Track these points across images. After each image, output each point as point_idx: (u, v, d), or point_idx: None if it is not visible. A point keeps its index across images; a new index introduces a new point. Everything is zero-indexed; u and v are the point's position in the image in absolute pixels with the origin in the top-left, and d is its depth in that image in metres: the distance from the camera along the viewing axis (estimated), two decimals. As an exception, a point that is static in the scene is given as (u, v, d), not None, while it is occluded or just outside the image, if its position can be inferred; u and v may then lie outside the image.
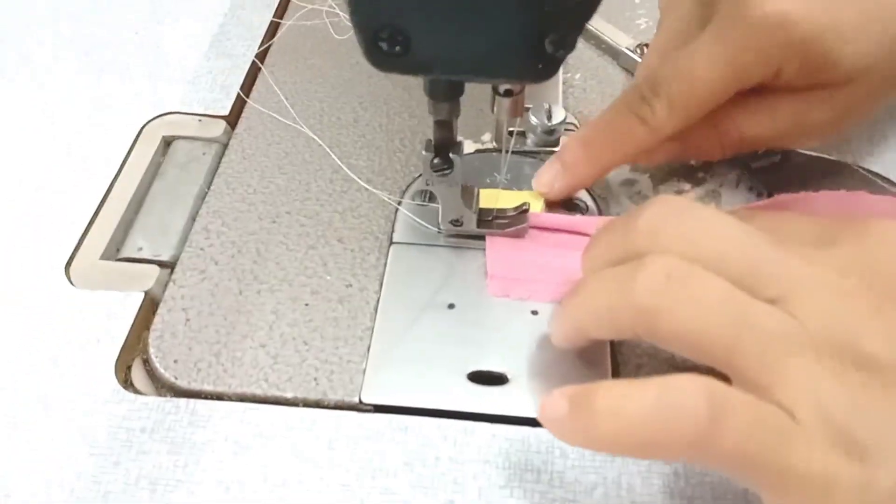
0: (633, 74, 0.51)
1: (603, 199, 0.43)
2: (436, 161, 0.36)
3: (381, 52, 0.29)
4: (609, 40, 0.52)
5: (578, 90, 0.50)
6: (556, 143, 0.46)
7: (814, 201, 0.40)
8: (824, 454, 0.25)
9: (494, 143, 0.46)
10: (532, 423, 0.34)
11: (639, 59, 0.50)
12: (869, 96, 0.40)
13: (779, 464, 0.25)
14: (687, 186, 0.44)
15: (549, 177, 0.40)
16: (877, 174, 0.44)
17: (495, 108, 0.35)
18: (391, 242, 0.41)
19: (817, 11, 0.35)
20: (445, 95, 0.34)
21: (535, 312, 0.38)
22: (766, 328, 0.27)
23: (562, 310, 0.34)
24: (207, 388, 0.36)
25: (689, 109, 0.37)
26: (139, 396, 0.36)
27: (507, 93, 0.34)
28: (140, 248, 0.42)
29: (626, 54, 0.51)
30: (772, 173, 0.44)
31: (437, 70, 0.30)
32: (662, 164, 0.42)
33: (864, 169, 0.45)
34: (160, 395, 0.36)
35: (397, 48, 0.29)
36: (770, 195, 0.44)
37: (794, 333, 0.26)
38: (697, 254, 0.28)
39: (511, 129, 0.42)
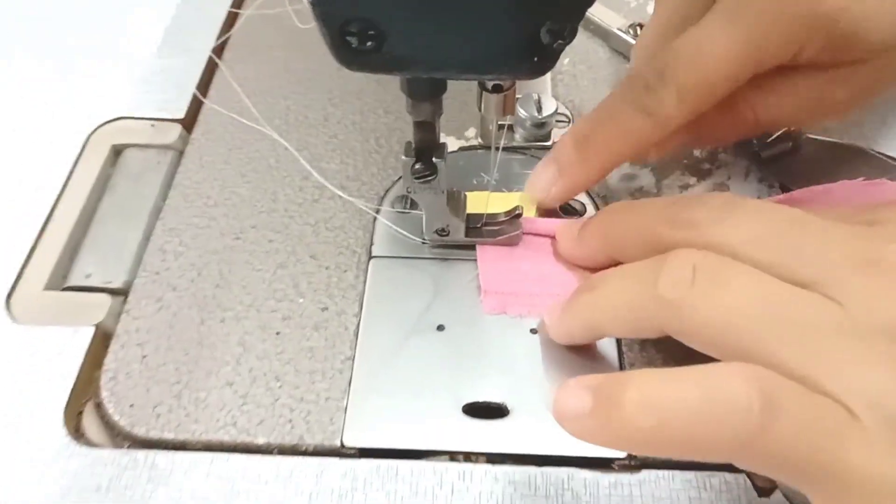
0: (625, 57, 0.47)
1: (602, 197, 0.40)
2: (417, 166, 0.32)
3: (350, 48, 0.25)
4: (598, 20, 0.48)
5: (568, 77, 0.46)
6: (547, 137, 0.42)
7: (833, 193, 0.37)
8: (887, 454, 0.22)
9: (480, 140, 0.42)
10: (538, 461, 0.30)
11: (631, 41, 0.46)
12: (892, 71, 0.36)
13: (836, 465, 0.22)
14: (692, 180, 0.40)
15: (545, 181, 0.36)
16: (893, 158, 0.41)
17: (482, 106, 0.31)
18: (370, 257, 0.37)
19: None
20: (426, 94, 0.30)
21: (534, 331, 0.34)
22: (803, 315, 0.24)
23: (572, 305, 0.31)
24: (168, 436, 0.31)
25: (702, 97, 0.33)
26: (92, 450, 0.31)
27: (496, 88, 0.30)
28: (89, 275, 0.38)
29: (617, 35, 0.47)
30: (783, 162, 0.41)
31: (415, 68, 0.26)
32: (668, 156, 0.38)
33: (879, 153, 0.41)
34: (116, 445, 0.32)
35: (369, 44, 0.25)
36: (782, 186, 0.40)
37: (835, 319, 0.24)
38: (732, 238, 0.27)
39: (499, 122, 0.38)
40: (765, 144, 0.40)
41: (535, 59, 0.25)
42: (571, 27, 0.25)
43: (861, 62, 0.35)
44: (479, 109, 0.31)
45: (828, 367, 0.23)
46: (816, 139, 0.41)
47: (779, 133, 0.40)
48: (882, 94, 0.38)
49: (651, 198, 0.39)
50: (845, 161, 0.41)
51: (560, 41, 0.25)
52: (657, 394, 0.24)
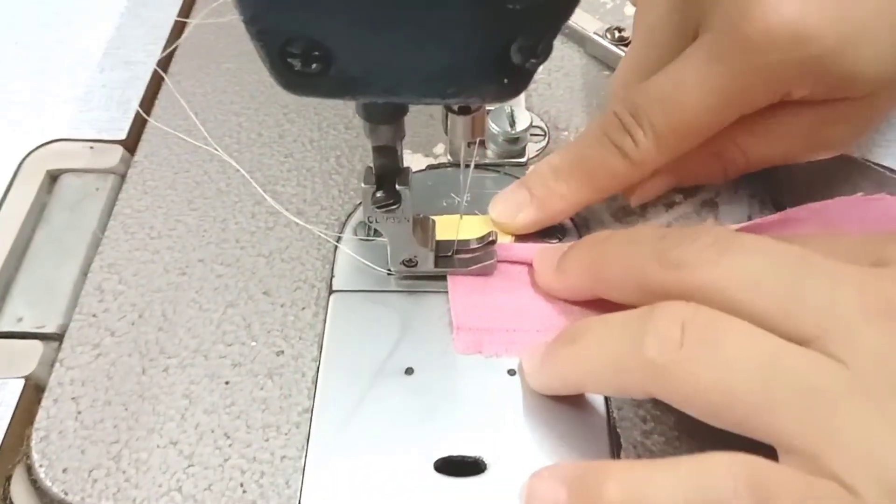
0: (603, 63, 0.44)
1: (583, 218, 0.36)
2: (379, 195, 0.29)
3: (293, 71, 0.22)
4: (573, 24, 0.45)
5: (542, 86, 0.43)
6: (521, 153, 0.39)
7: (830, 210, 0.34)
8: None
9: (449, 157, 0.39)
10: (520, 523, 0.27)
11: (609, 45, 0.43)
12: (892, 102, 0.34)
13: None
14: (679, 197, 0.37)
15: (512, 206, 0.34)
16: (890, 169, 0.38)
17: (448, 128, 0.28)
18: (331, 291, 0.34)
19: (832, 19, 0.29)
20: (385, 117, 0.26)
21: (512, 372, 0.31)
22: (804, 382, 0.22)
23: (551, 357, 0.28)
24: (106, 504, 0.28)
25: (679, 141, 0.31)
26: (18, 523, 0.28)
27: (463, 110, 0.27)
28: (20, 319, 0.34)
29: (593, 40, 0.44)
30: (774, 176, 0.38)
31: (368, 92, 0.23)
32: (653, 198, 0.36)
33: (875, 164, 0.38)
34: (48, 514, 0.29)
35: (314, 66, 0.22)
36: (774, 201, 0.37)
37: (840, 384, 0.22)
38: (727, 282, 0.24)
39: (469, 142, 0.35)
40: (754, 156, 0.38)
41: (506, 80, 0.22)
42: (546, 43, 0.22)
43: (857, 98, 0.32)
44: (445, 132, 0.28)
45: (830, 442, 0.21)
46: (808, 149, 0.39)
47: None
48: (879, 124, 0.36)
49: (639, 227, 0.36)
50: (840, 173, 0.38)
51: (533, 60, 0.22)
52: (638, 492, 0.22)
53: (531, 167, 0.36)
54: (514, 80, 0.23)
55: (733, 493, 0.21)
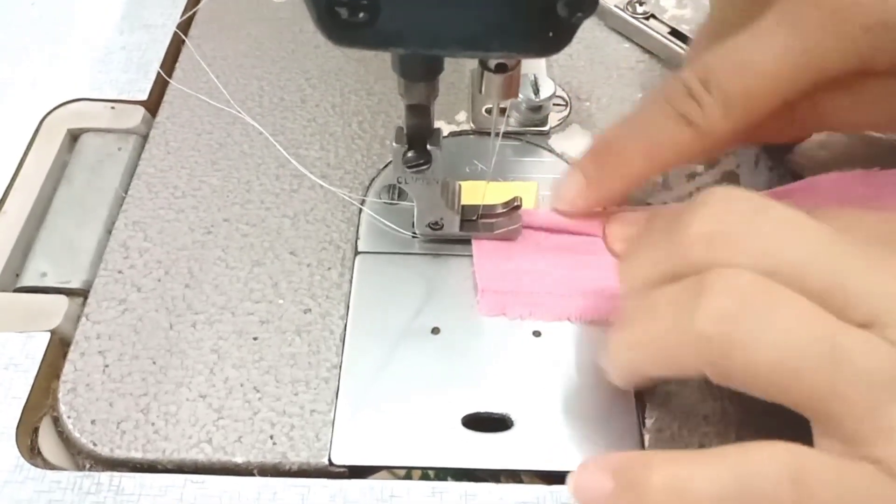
0: (624, 36, 0.44)
1: (604, 187, 0.37)
2: (409, 155, 0.29)
3: (340, 20, 0.22)
4: (594, -4, 0.45)
5: (563, 56, 0.43)
6: (543, 122, 0.39)
7: (849, 182, 0.35)
8: None
9: (472, 125, 0.39)
10: (547, 478, 0.28)
11: (629, 18, 0.44)
12: None
13: None
14: (699, 168, 0.38)
15: (572, 192, 0.32)
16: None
17: (483, 87, 0.28)
18: (356, 252, 0.34)
19: None
20: (422, 74, 0.27)
21: (537, 333, 0.31)
22: (867, 364, 0.21)
23: (609, 348, 0.27)
24: (135, 455, 0.28)
25: (750, 109, 0.30)
26: (49, 472, 0.28)
27: (500, 68, 0.27)
28: (44, 274, 0.34)
29: (613, 13, 0.44)
30: (795, 148, 0.38)
31: (412, 44, 0.23)
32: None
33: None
34: (77, 465, 0.29)
35: (361, 15, 0.22)
36: (794, 173, 0.38)
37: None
38: (771, 266, 0.23)
39: (501, 106, 0.35)
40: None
41: (551, 34, 0.23)
42: (592, -3, 0.22)
43: None
44: (480, 91, 0.28)
45: (883, 428, 0.21)
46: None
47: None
48: None
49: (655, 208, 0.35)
50: (859, 146, 0.39)
51: (579, 13, 0.22)
52: (683, 482, 0.21)
53: (581, 148, 0.34)
54: (559, 35, 0.23)
55: (774, 485, 0.20)
